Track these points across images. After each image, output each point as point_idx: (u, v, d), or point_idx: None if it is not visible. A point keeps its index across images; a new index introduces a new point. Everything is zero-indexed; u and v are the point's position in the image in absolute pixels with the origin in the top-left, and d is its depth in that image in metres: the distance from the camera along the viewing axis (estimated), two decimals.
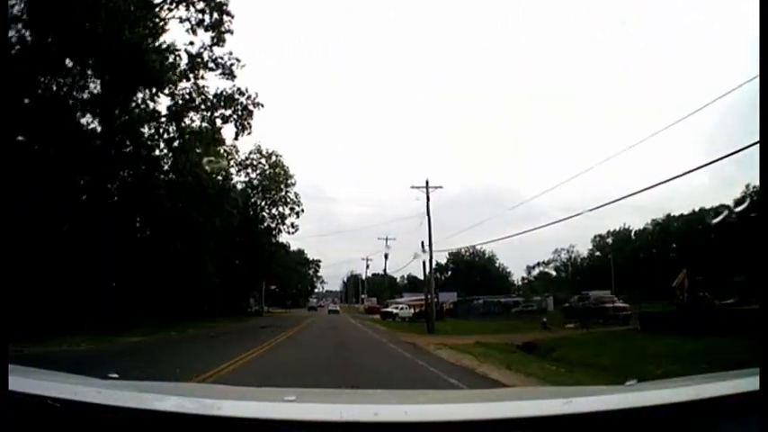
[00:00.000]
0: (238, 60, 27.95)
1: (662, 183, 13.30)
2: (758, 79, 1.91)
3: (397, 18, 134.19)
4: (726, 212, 29.29)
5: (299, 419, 1.34)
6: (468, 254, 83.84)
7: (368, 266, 78.69)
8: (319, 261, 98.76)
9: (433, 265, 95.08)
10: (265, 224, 52.27)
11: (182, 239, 31.18)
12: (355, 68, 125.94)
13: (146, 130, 27.99)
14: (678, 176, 12.73)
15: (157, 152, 29.14)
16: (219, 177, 34.27)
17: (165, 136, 28.69)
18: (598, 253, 66.67)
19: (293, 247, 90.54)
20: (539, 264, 75.44)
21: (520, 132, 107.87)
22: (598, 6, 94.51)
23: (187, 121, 28.38)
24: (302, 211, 51.87)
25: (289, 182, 51.32)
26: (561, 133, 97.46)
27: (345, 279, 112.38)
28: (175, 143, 28.46)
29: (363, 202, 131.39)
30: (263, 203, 52.08)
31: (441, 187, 31.91)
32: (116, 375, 1.97)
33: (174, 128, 28.40)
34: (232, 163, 45.98)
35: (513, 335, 21.01)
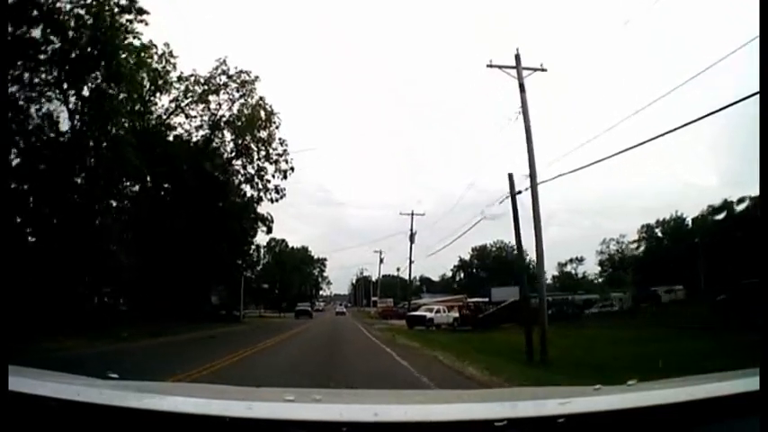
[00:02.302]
0: None
1: (662, 134, 11.68)
2: (758, 79, 1.92)
3: (405, 27, 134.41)
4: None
5: (298, 419, 1.35)
6: (494, 249, 78.82)
7: (382, 260, 66.00)
8: (325, 260, 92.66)
9: (455, 263, 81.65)
10: (240, 192, 37.90)
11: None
12: (365, 75, 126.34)
13: None
14: (677, 128, 11.04)
15: None
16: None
17: None
18: (642, 245, 60.03)
19: (295, 245, 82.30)
20: (571, 260, 70.59)
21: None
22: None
23: None
24: (292, 169, 37.10)
25: (271, 123, 36.26)
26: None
27: (354, 281, 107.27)
28: None
29: (373, 206, 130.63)
30: (232, 155, 36.87)
31: (544, 70, 17.44)
32: (116, 375, 1.97)
33: None
34: (189, 97, 33.94)
35: None
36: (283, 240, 79.59)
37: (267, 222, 39.99)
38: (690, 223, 54.03)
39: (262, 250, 75.50)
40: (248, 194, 37.93)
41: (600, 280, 62.89)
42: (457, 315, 33.67)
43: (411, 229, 43.63)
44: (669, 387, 1.69)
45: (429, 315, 33.22)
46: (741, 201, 39.14)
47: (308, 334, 25.83)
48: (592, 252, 67.38)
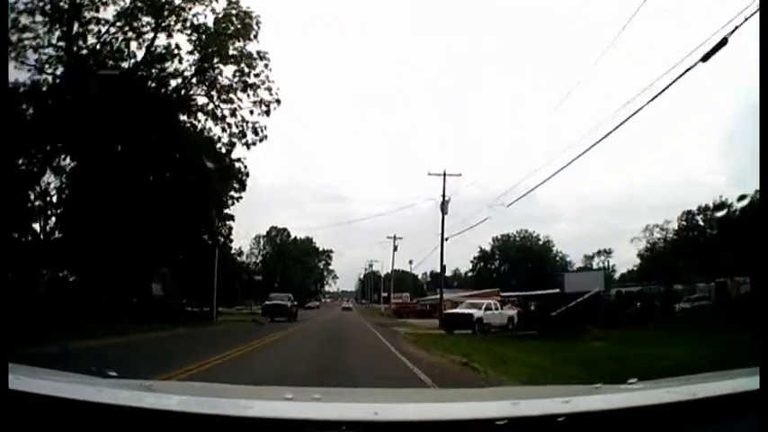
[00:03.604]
0: None
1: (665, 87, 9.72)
2: (758, 79, 1.91)
3: (409, 24, 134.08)
4: None
5: (298, 418, 1.34)
6: (518, 239, 75.22)
7: (396, 248, 56.17)
8: (331, 251, 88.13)
9: (476, 253, 75.92)
10: (204, 133, 26.44)
11: None
12: (370, 71, 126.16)
13: None
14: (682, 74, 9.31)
15: None
16: None
17: None
18: (689, 232, 53.61)
19: (299, 235, 77.20)
20: (599, 252, 67.59)
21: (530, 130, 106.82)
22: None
23: None
24: (278, 102, 26.22)
25: (248, 32, 25.25)
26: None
27: (361, 276, 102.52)
28: None
29: (379, 202, 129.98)
30: (191, 78, 25.81)
31: None
32: (115, 374, 1.97)
33: None
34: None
35: None
36: (285, 229, 76.49)
37: (240, 175, 28.40)
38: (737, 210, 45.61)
39: (261, 238, 72.61)
40: (215, 137, 26.75)
41: (633, 269, 58.83)
42: (513, 313, 25.98)
43: (443, 195, 32.44)
44: (669, 386, 1.69)
45: (477, 313, 24.08)
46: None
47: (281, 353, 13.86)
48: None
